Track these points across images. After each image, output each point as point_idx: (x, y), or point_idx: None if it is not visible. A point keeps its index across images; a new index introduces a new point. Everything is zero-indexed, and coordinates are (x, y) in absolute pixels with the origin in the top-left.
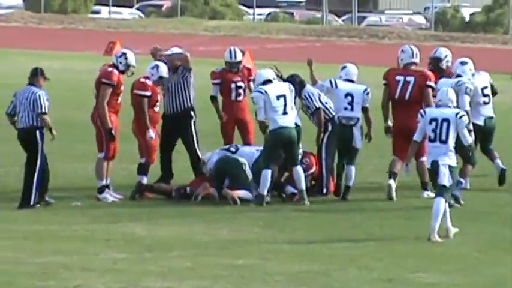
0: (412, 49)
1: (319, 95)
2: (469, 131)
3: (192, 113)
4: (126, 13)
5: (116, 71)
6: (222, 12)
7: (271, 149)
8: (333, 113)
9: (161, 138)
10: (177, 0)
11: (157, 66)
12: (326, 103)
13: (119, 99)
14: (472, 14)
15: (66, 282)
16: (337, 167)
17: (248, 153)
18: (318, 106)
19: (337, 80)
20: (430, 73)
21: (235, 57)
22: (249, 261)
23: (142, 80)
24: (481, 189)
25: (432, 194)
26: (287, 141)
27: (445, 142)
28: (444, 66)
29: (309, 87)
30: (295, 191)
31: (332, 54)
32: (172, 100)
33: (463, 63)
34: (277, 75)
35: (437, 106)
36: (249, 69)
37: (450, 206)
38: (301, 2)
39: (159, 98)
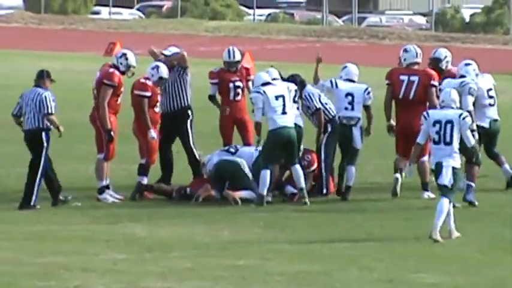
0: (415, 49)
1: (320, 95)
2: (473, 131)
3: (189, 112)
4: (126, 14)
5: (117, 72)
6: (222, 13)
7: (271, 149)
8: (333, 114)
9: (160, 137)
10: (178, 0)
11: (157, 67)
12: (326, 104)
13: (119, 99)
14: (472, 15)
15: (67, 283)
16: (339, 168)
17: (248, 154)
18: (318, 107)
19: (338, 80)
20: (433, 72)
21: (234, 56)
22: (249, 262)
23: (143, 80)
24: (481, 189)
25: (432, 195)
26: (286, 141)
27: (449, 144)
28: (444, 67)
29: (309, 87)
30: (295, 191)
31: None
32: (169, 99)
33: (467, 64)
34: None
35: (441, 107)
36: (247, 69)
37: (453, 206)
38: (301, 2)
39: (159, 98)
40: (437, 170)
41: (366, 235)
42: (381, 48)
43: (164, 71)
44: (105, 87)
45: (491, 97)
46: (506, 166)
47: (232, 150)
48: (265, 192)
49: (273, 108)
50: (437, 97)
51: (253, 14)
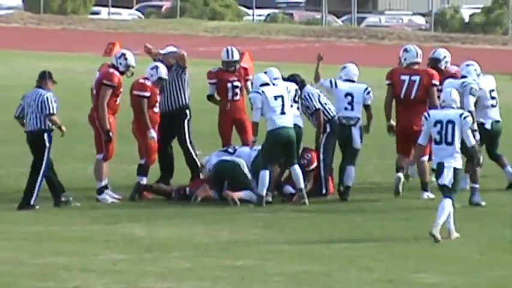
0: (415, 49)
1: (319, 95)
2: (474, 131)
3: (187, 111)
4: (125, 14)
5: (116, 72)
6: (221, 13)
7: (270, 150)
8: (332, 114)
9: (159, 137)
10: (177, 1)
11: (156, 67)
12: (326, 104)
13: (118, 100)
14: (471, 15)
15: (66, 283)
16: (339, 168)
17: (246, 154)
18: (317, 107)
19: (337, 80)
20: (434, 72)
21: (232, 56)
22: (248, 262)
23: (142, 80)
24: (481, 189)
25: (432, 195)
26: (285, 141)
27: (451, 144)
28: (443, 67)
29: (309, 87)
30: (294, 191)
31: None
32: (167, 98)
33: (469, 64)
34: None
35: (441, 107)
36: (245, 69)
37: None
38: (300, 2)
39: (158, 98)
40: (439, 170)
41: (366, 235)
42: (380, 49)
43: (163, 71)
44: (104, 87)
45: (493, 98)
46: (509, 168)
47: (230, 150)
48: (264, 193)
49: (272, 109)
50: (438, 97)
51: (253, 14)
